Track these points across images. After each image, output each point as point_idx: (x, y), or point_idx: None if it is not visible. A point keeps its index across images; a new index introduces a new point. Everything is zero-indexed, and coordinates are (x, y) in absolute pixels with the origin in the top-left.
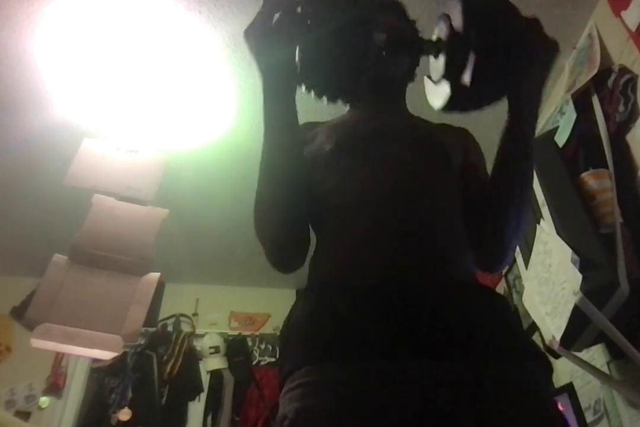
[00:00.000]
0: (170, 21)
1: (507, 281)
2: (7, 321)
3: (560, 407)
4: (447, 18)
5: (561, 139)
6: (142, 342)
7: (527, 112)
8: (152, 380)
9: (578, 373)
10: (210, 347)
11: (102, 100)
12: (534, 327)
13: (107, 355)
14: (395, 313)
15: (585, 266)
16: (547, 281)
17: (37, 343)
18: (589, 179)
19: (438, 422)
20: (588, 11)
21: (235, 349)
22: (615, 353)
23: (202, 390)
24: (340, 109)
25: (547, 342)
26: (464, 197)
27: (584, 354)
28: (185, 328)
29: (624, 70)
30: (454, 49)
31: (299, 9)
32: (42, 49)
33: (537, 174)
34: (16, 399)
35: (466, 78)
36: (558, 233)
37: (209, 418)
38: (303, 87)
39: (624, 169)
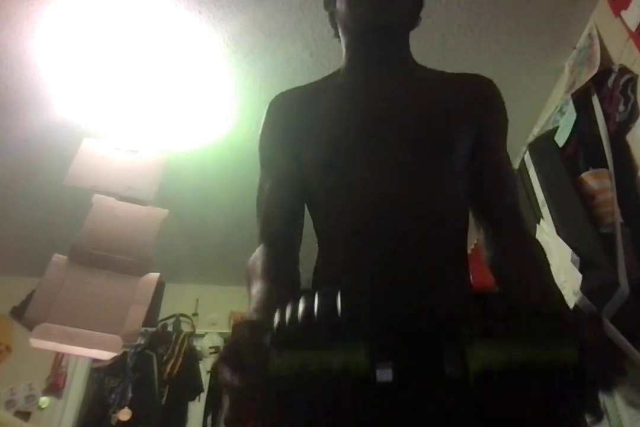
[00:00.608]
0: (170, 21)
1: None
2: (7, 321)
3: None
4: None
5: (561, 139)
6: (142, 342)
7: None
8: (152, 380)
9: None
10: (210, 347)
11: (102, 100)
12: None
13: (106, 355)
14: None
15: (585, 266)
16: None
17: (37, 343)
18: (589, 179)
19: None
20: (588, 11)
21: None
22: None
23: (202, 390)
24: None
25: None
26: (473, 181)
27: None
28: (185, 328)
29: (624, 70)
30: None
31: None
32: (42, 49)
33: (537, 174)
34: (16, 399)
35: None
36: (558, 233)
37: (209, 418)
38: None
39: (624, 169)
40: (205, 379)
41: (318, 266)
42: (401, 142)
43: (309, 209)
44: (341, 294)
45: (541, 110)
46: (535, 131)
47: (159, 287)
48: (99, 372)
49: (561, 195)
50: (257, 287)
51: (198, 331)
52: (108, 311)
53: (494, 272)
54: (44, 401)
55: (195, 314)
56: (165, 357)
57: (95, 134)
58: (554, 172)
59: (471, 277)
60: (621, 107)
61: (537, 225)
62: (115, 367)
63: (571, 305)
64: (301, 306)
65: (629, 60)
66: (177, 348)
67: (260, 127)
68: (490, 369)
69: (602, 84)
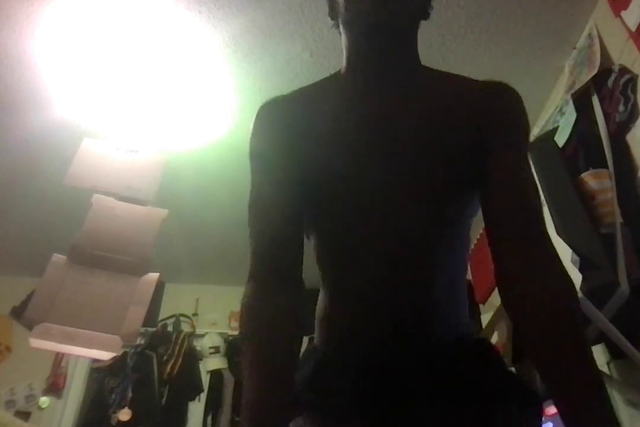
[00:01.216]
0: (170, 21)
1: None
2: (7, 321)
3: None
4: None
5: (561, 139)
6: (142, 342)
7: None
8: (152, 380)
9: None
10: (210, 347)
11: (102, 100)
12: None
13: (106, 355)
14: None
15: (585, 266)
16: None
17: (37, 343)
18: (589, 179)
19: None
20: (588, 11)
21: (235, 349)
22: (615, 353)
23: (202, 390)
24: None
25: None
26: (486, 200)
27: None
28: (185, 328)
29: (624, 70)
30: None
31: None
32: (42, 49)
33: (537, 174)
34: (16, 399)
35: None
36: (558, 233)
37: (209, 418)
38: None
39: (624, 169)
40: (205, 379)
41: (319, 310)
42: (402, 156)
43: (306, 229)
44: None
45: (541, 110)
46: (535, 131)
47: (159, 287)
48: (99, 372)
49: (561, 196)
50: (250, 392)
51: (198, 331)
52: (108, 311)
53: (500, 279)
54: (44, 401)
55: (195, 314)
56: (165, 357)
57: (95, 134)
58: (554, 172)
59: (472, 278)
60: (621, 107)
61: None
62: (115, 367)
63: None
64: None
65: (629, 60)
66: (177, 348)
67: (250, 135)
68: None
69: (602, 84)
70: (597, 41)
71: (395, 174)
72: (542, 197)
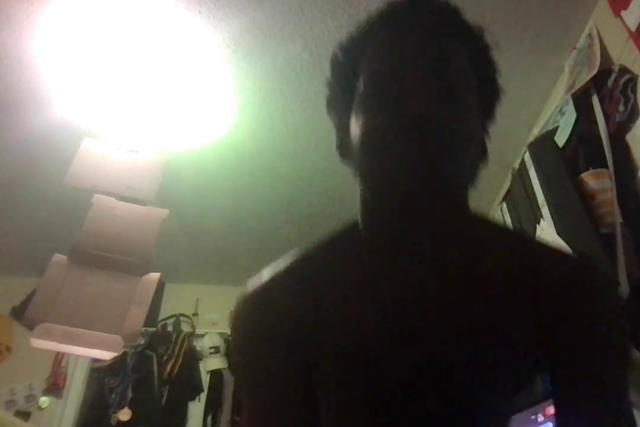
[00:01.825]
0: (170, 21)
1: None
2: (7, 321)
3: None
4: None
5: (561, 139)
6: (142, 342)
7: None
8: (152, 380)
9: None
10: (210, 347)
11: (102, 100)
12: None
13: (107, 355)
14: None
15: None
16: None
17: (37, 343)
18: (589, 179)
19: None
20: (588, 11)
21: None
22: None
23: (202, 390)
24: None
25: None
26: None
27: None
28: (185, 328)
29: (624, 70)
30: None
31: None
32: (42, 49)
33: (537, 174)
34: (16, 399)
35: None
36: (558, 233)
37: (209, 418)
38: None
39: (624, 169)
40: (205, 379)
41: None
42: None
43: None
44: None
45: (541, 110)
46: (535, 131)
47: (159, 287)
48: (99, 372)
49: (561, 196)
50: None
51: (198, 331)
52: (108, 311)
53: None
54: (44, 401)
55: (195, 314)
56: (165, 357)
57: (95, 134)
58: (554, 172)
59: None
60: (621, 107)
61: (537, 225)
62: (115, 367)
63: None
64: None
65: (629, 60)
66: (177, 348)
67: (240, 332)
68: None
69: (602, 84)
70: (597, 41)
71: (438, 356)
72: (542, 197)
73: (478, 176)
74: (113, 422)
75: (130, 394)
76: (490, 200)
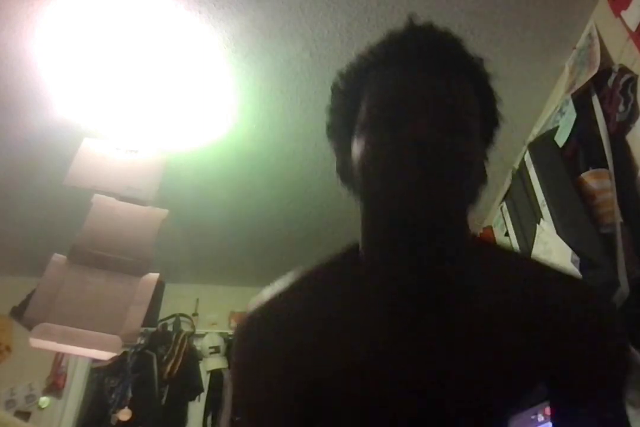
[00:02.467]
0: (170, 21)
1: None
2: (7, 321)
3: None
4: None
5: (561, 139)
6: (142, 342)
7: None
8: (152, 380)
9: None
10: (210, 347)
11: (102, 100)
12: None
13: (106, 355)
14: None
15: (585, 266)
16: None
17: (37, 343)
18: (589, 179)
19: None
20: (588, 11)
21: None
22: None
23: (202, 390)
24: None
25: None
26: None
27: None
28: (185, 328)
29: (624, 70)
30: None
31: None
32: (42, 49)
33: (537, 174)
34: (16, 399)
35: None
36: (558, 233)
37: (209, 418)
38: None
39: (624, 169)
40: (205, 379)
41: None
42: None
43: None
44: None
45: (541, 110)
46: (535, 131)
47: (159, 287)
48: (99, 372)
49: (561, 195)
50: None
51: (198, 331)
52: (108, 311)
53: None
54: (44, 401)
55: (195, 314)
56: (165, 357)
57: (95, 134)
58: (554, 172)
59: None
60: (621, 107)
61: (537, 225)
62: (115, 367)
63: None
64: None
65: (629, 60)
66: (177, 348)
67: (240, 351)
68: None
69: (602, 84)
70: (597, 41)
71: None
72: (542, 197)
73: (478, 198)
74: (113, 422)
75: (130, 394)
76: (490, 200)
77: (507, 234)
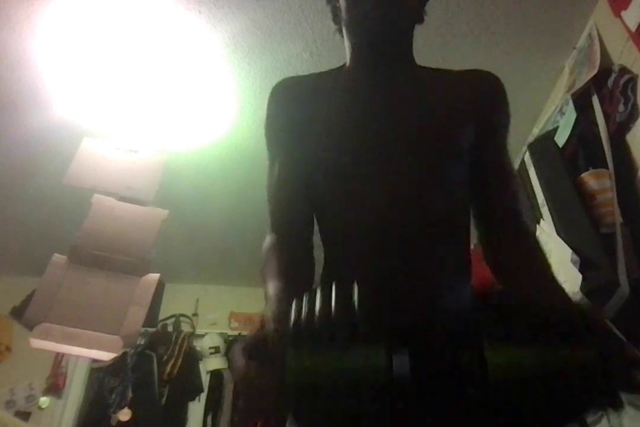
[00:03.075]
0: (170, 21)
1: None
2: (7, 321)
3: None
4: None
5: (561, 139)
6: (142, 342)
7: None
8: (152, 380)
9: None
10: (210, 347)
11: (102, 100)
12: None
13: (106, 355)
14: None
15: (585, 266)
16: None
17: (36, 343)
18: (589, 179)
19: None
20: (588, 11)
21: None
22: None
23: (202, 390)
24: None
25: None
26: (475, 183)
27: None
28: (185, 328)
29: (624, 70)
30: None
31: None
32: (42, 49)
33: (537, 174)
34: (16, 399)
35: None
36: (558, 233)
37: (209, 418)
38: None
39: (624, 169)
40: (205, 379)
41: (324, 268)
42: (404, 146)
43: (314, 209)
44: (357, 290)
45: (541, 110)
46: (535, 131)
47: (159, 288)
48: (99, 372)
49: (561, 196)
50: (273, 288)
51: (198, 331)
52: (108, 311)
53: (495, 271)
54: (44, 401)
55: (195, 314)
56: (165, 357)
57: (95, 134)
58: (554, 172)
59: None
60: (621, 107)
61: (537, 225)
62: (115, 367)
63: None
64: (318, 302)
65: (629, 60)
66: (177, 348)
67: (266, 110)
68: (508, 375)
69: (602, 84)
70: (597, 41)
71: (396, 147)
72: (542, 197)
73: (421, 18)
74: (113, 422)
75: (130, 394)
76: None
77: None
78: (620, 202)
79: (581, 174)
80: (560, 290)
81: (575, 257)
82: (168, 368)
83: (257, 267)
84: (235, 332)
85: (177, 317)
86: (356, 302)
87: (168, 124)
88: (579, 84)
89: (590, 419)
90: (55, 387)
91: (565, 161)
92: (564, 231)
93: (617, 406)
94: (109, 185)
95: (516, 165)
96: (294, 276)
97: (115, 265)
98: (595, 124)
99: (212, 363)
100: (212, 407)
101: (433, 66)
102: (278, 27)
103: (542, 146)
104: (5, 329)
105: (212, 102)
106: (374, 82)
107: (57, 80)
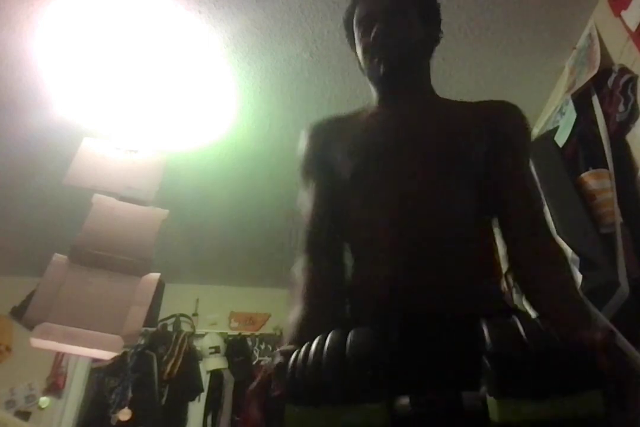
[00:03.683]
0: (170, 21)
1: (507, 281)
2: (7, 321)
3: None
4: None
5: (561, 139)
6: (142, 342)
7: None
8: (152, 380)
9: None
10: (210, 347)
11: (102, 100)
12: None
13: (106, 355)
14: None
15: (585, 266)
16: None
17: (37, 343)
18: (589, 179)
19: None
20: (588, 11)
21: (236, 349)
22: None
23: (202, 390)
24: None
25: None
26: (494, 199)
27: None
28: (185, 328)
29: (624, 70)
30: None
31: None
32: (42, 49)
33: (537, 174)
34: (16, 399)
35: None
36: (558, 233)
37: (209, 418)
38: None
39: (624, 169)
40: (205, 379)
41: (352, 268)
42: (422, 158)
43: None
44: (354, 338)
45: (541, 110)
46: (535, 131)
47: (159, 287)
48: (99, 372)
49: (561, 196)
50: (297, 311)
51: (198, 331)
52: (108, 311)
53: (518, 283)
54: (44, 401)
55: (195, 314)
56: (165, 357)
57: (95, 134)
58: (554, 172)
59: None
60: (621, 107)
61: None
62: (115, 367)
63: None
64: (311, 355)
65: (629, 60)
66: (177, 348)
67: (302, 149)
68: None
69: (602, 84)
70: (597, 41)
71: (416, 159)
72: (542, 197)
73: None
74: (113, 422)
75: (130, 394)
76: None
77: None
78: (620, 202)
79: (581, 174)
80: (580, 309)
81: (575, 257)
82: (168, 368)
83: (257, 267)
84: (235, 332)
85: (177, 317)
86: (351, 353)
87: (168, 124)
88: (579, 84)
89: None
90: (55, 387)
91: (565, 161)
92: (564, 231)
93: None
94: (109, 185)
95: None
96: (323, 301)
97: (116, 265)
98: (595, 124)
99: (212, 363)
100: (212, 407)
101: (433, 66)
102: (278, 27)
103: (542, 146)
104: (5, 329)
105: (212, 102)
106: (395, 111)
107: (57, 80)
